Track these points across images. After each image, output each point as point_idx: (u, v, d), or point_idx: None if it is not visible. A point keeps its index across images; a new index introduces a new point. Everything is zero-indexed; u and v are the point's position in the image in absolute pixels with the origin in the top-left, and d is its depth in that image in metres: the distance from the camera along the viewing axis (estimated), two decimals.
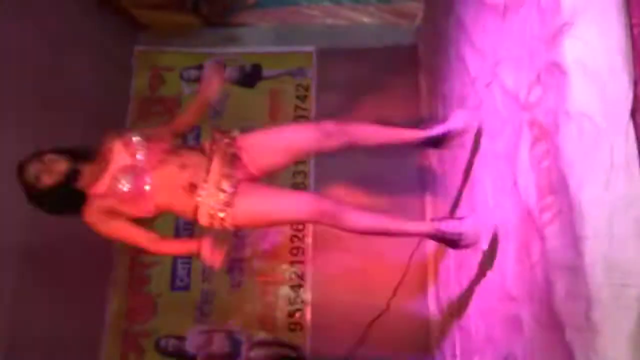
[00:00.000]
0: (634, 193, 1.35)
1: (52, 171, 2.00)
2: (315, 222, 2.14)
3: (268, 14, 3.95)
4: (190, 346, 3.42)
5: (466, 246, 2.15)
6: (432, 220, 2.23)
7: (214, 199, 2.02)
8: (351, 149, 2.22)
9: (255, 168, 2.14)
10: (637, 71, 1.41)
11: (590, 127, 1.41)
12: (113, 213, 2.07)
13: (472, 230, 2.10)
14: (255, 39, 3.97)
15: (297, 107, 3.83)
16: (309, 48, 3.95)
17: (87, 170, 2.07)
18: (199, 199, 2.03)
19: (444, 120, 2.33)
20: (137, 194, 2.04)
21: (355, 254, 3.43)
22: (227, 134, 2.19)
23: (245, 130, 3.54)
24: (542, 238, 1.63)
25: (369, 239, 3.36)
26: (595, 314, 1.35)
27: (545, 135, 1.61)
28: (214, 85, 2.22)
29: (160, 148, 2.10)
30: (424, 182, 3.49)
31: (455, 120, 2.26)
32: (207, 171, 2.05)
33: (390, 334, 3.32)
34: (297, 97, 3.86)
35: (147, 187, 2.04)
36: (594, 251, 1.37)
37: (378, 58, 3.84)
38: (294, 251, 3.53)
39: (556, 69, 1.54)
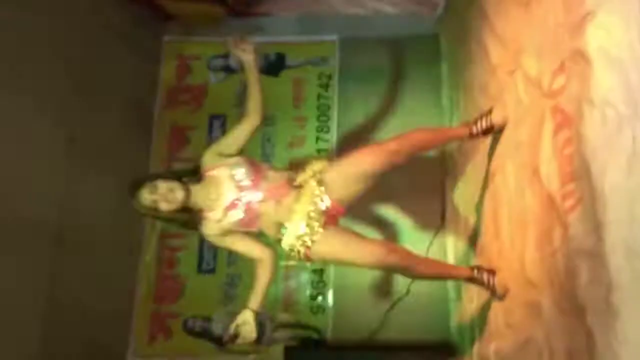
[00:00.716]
0: None
1: (169, 200, 2.15)
2: (382, 269, 2.37)
3: (292, 3, 3.94)
4: (216, 327, 3.48)
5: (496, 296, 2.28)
6: (473, 269, 2.38)
7: (297, 239, 2.22)
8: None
9: (338, 198, 2.27)
10: None
11: (613, 114, 1.40)
12: (226, 231, 2.26)
13: (501, 288, 2.21)
14: (279, 28, 3.96)
15: (320, 96, 3.83)
16: (332, 37, 3.93)
17: (197, 193, 2.22)
18: (282, 236, 2.25)
19: (485, 113, 2.37)
20: (247, 219, 2.23)
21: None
22: (314, 169, 2.29)
23: (270, 117, 3.68)
24: (564, 225, 1.63)
25: (386, 228, 3.43)
26: (615, 298, 1.36)
27: (569, 123, 1.61)
28: (247, 54, 2.40)
29: (261, 175, 2.26)
30: (446, 169, 3.49)
31: (497, 116, 2.30)
32: (295, 211, 2.22)
33: (410, 319, 3.34)
34: (320, 85, 3.86)
35: (254, 216, 2.24)
36: (615, 236, 1.38)
37: (400, 47, 3.82)
38: None
39: (580, 57, 1.53)
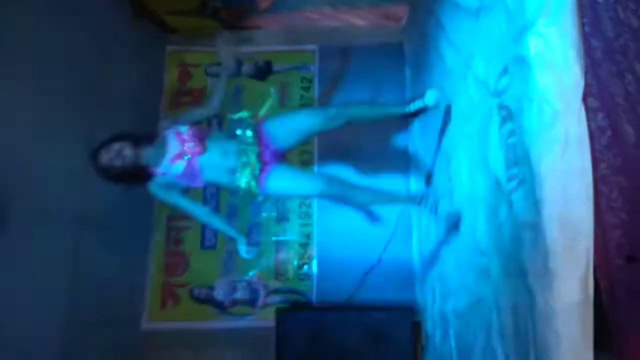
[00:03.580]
0: (584, 164, 1.36)
1: (121, 157, 2.10)
2: (322, 197, 2.32)
3: (277, 18, 3.90)
4: (218, 294, 3.47)
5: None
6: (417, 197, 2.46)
7: (250, 178, 2.19)
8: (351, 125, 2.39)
9: (276, 147, 2.27)
10: (587, 63, 1.41)
11: (548, 109, 1.41)
12: (171, 187, 2.20)
13: None
14: (266, 39, 3.92)
15: (302, 97, 3.80)
16: (312, 46, 3.90)
17: (149, 152, 2.16)
18: (238, 179, 2.20)
19: (420, 95, 2.44)
20: (188, 173, 2.16)
21: (353, 218, 3.44)
22: (254, 120, 2.30)
23: (261, 117, 3.66)
24: (509, 202, 1.64)
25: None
26: (552, 263, 1.38)
27: (511, 117, 1.62)
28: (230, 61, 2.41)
29: (204, 136, 2.20)
30: (408, 155, 3.49)
31: (430, 98, 2.38)
32: (244, 156, 2.18)
33: (381, 282, 3.36)
34: (302, 88, 3.83)
35: (194, 167, 2.17)
36: (551, 211, 1.39)
37: (370, 54, 3.80)
38: (302, 215, 3.54)
39: (521, 61, 1.54)
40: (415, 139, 3.33)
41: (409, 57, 3.69)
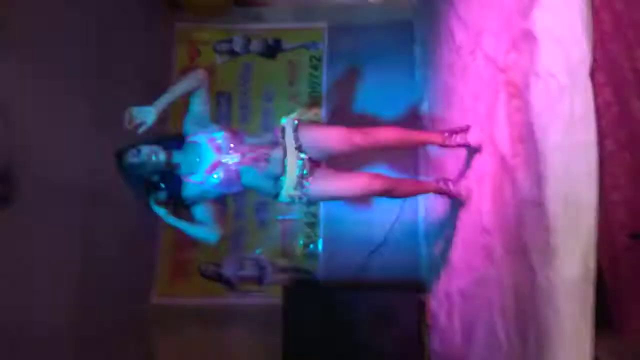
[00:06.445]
0: (589, 140, 1.35)
1: (152, 162, 1.98)
2: (371, 196, 2.23)
3: None
4: (225, 271, 3.51)
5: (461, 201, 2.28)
6: (440, 180, 2.31)
7: (293, 186, 2.10)
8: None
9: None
10: (595, 37, 1.39)
11: (555, 84, 1.40)
12: (204, 195, 2.09)
13: (465, 191, 2.22)
14: (276, 17, 3.89)
15: (311, 75, 3.78)
16: (322, 24, 3.85)
17: (180, 159, 2.05)
18: (282, 188, 2.10)
19: (463, 129, 2.23)
20: (226, 181, 2.06)
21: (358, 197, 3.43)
22: (293, 125, 2.17)
23: (269, 94, 3.67)
24: (513, 180, 1.64)
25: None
26: (553, 240, 1.37)
27: (518, 93, 1.60)
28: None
29: (240, 142, 2.10)
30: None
31: (474, 136, 2.18)
32: (284, 163, 2.09)
33: (387, 263, 3.37)
34: (311, 66, 3.80)
35: (234, 176, 2.07)
36: (553, 188, 1.39)
37: (380, 33, 3.74)
38: None
39: (528, 36, 1.51)
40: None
41: (418, 36, 3.63)
